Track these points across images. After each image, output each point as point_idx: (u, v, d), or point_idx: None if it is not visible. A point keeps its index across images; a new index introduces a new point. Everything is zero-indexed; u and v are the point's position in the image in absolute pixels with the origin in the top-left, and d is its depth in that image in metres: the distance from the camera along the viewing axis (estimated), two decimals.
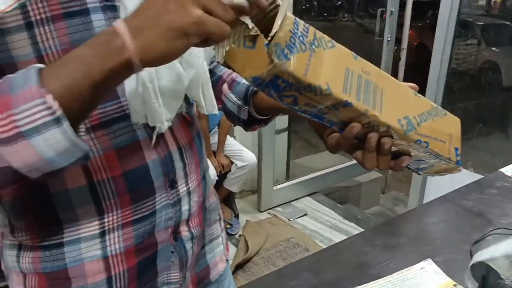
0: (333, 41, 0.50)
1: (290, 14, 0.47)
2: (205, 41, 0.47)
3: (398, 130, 0.54)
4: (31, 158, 0.46)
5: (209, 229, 0.82)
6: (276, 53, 0.45)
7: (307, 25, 0.48)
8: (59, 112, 0.45)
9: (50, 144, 0.45)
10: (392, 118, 0.53)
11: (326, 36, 0.49)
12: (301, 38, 0.47)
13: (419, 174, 0.65)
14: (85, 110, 0.48)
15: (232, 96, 0.82)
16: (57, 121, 0.45)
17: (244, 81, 0.81)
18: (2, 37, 0.51)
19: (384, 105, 0.53)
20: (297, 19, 0.47)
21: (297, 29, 0.47)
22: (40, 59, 0.53)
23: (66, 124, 0.45)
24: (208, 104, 0.70)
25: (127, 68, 0.46)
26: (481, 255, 0.78)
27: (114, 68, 0.45)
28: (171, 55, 0.46)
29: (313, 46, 0.47)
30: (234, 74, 0.82)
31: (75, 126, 0.47)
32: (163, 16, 0.44)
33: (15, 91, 0.45)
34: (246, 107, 0.81)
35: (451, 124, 0.61)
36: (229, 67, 0.73)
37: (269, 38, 0.46)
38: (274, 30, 0.45)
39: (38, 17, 0.52)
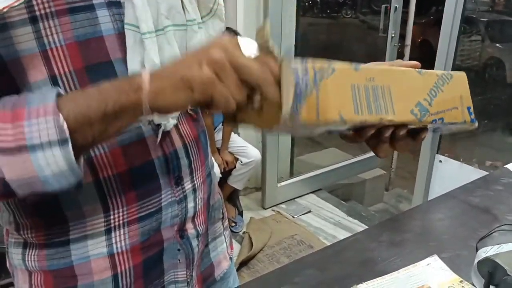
0: (331, 62, 0.50)
1: (287, 63, 0.47)
2: (208, 105, 0.48)
3: (413, 121, 0.55)
4: (26, 173, 0.47)
5: (213, 227, 0.82)
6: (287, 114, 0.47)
7: (304, 61, 0.48)
8: (67, 134, 0.46)
9: (49, 162, 0.46)
10: (406, 113, 0.54)
11: (323, 63, 0.49)
12: (303, 80, 0.47)
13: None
14: (89, 140, 0.49)
15: None
16: (63, 142, 0.46)
17: None
18: (6, 31, 0.51)
19: (396, 103, 0.53)
20: (294, 62, 0.47)
21: (298, 76, 0.47)
22: (44, 53, 0.53)
23: (70, 147, 0.47)
24: None
25: (137, 108, 0.48)
26: (487, 251, 0.77)
27: (126, 104, 0.47)
28: (175, 104, 0.48)
29: (317, 82, 0.48)
30: None
31: (75, 153, 0.48)
32: (180, 69, 0.47)
33: (31, 105, 0.46)
34: None
35: (459, 84, 0.60)
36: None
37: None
38: (285, 108, 0.46)
39: (42, 11, 0.52)
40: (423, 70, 0.57)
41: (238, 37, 0.50)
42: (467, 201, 1.12)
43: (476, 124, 0.59)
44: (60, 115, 0.46)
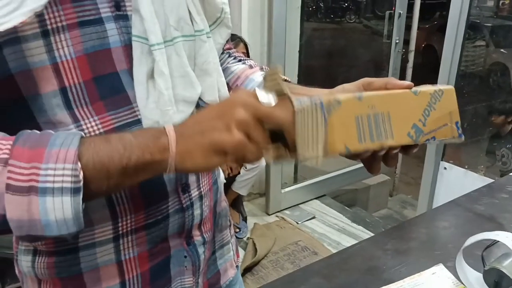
0: (336, 95, 0.52)
1: (299, 109, 0.50)
2: (239, 160, 0.51)
3: (409, 142, 0.57)
4: (29, 215, 0.46)
5: (220, 234, 0.82)
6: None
7: (312, 100, 0.51)
8: (81, 184, 0.46)
9: (55, 208, 0.46)
10: (403, 136, 0.56)
11: (329, 96, 0.52)
12: (314, 122, 0.50)
13: None
14: (103, 190, 0.50)
15: None
16: (75, 191, 0.46)
17: (255, 80, 0.79)
18: (17, 44, 0.52)
19: (394, 128, 0.55)
20: (303, 101, 0.50)
21: (309, 118, 0.50)
22: (55, 65, 0.54)
23: (80, 197, 0.47)
24: None
25: (161, 167, 0.50)
26: (493, 260, 0.77)
27: (150, 162, 0.49)
28: (206, 168, 0.51)
29: (326, 120, 0.51)
30: (248, 72, 0.81)
31: (84, 200, 0.48)
32: (208, 132, 0.49)
33: (52, 147, 0.47)
34: None
35: (449, 99, 0.61)
36: None
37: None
38: (301, 152, 0.51)
39: (54, 25, 0.53)
40: (418, 89, 0.58)
41: (256, 88, 0.53)
42: (472, 209, 1.12)
43: (463, 138, 0.61)
44: (79, 163, 0.46)
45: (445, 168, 2.31)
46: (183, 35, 0.62)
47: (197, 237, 0.72)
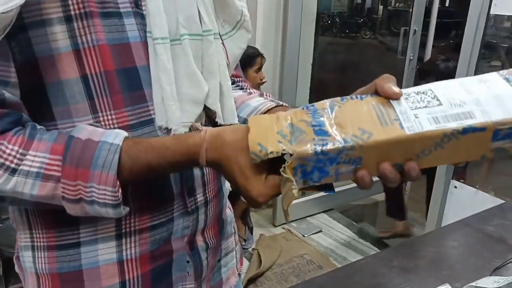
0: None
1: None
2: None
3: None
4: (83, 212, 0.56)
5: (226, 242, 0.82)
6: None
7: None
8: (120, 200, 0.54)
9: (101, 212, 0.56)
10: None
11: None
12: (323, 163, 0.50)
13: None
14: (140, 181, 0.59)
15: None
16: (115, 206, 0.55)
17: (251, 105, 0.77)
18: (42, 28, 0.53)
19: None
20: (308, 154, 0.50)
21: (319, 155, 0.49)
22: (77, 52, 0.55)
23: (120, 208, 0.55)
24: (226, 113, 0.69)
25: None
26: (501, 283, 0.75)
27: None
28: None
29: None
30: (245, 98, 0.79)
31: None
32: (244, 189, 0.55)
33: (95, 169, 0.53)
34: None
35: None
36: None
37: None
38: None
39: (77, 11, 0.54)
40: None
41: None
42: (482, 229, 1.10)
43: None
44: (118, 185, 0.53)
45: (455, 187, 2.28)
46: (190, 34, 0.63)
47: (200, 243, 0.72)
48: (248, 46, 0.75)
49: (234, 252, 0.86)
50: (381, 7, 6.23)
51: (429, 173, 2.65)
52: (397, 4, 6.38)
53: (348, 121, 0.50)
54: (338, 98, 0.53)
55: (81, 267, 0.64)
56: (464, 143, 0.47)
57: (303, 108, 0.53)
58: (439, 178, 2.36)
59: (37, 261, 0.65)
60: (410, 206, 3.69)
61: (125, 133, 0.56)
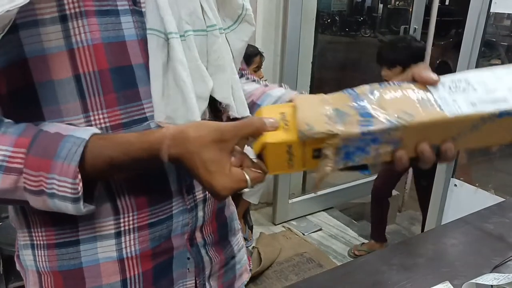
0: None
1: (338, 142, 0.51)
2: None
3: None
4: (45, 206, 0.55)
5: (235, 238, 0.82)
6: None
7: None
8: (80, 194, 0.53)
9: (62, 207, 0.55)
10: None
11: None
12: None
13: None
14: (105, 179, 0.60)
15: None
16: (74, 200, 0.53)
17: (272, 95, 0.78)
18: (35, 28, 0.52)
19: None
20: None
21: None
22: (71, 52, 0.55)
23: (80, 203, 0.54)
24: (239, 107, 0.69)
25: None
26: (501, 280, 0.76)
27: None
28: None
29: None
30: (265, 88, 0.80)
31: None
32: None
33: (57, 160, 0.52)
34: None
35: None
36: None
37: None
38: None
39: (72, 10, 0.54)
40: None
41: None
42: (482, 227, 1.10)
43: None
44: (78, 178, 0.52)
45: (455, 185, 2.28)
46: (194, 30, 0.62)
47: (199, 239, 0.72)
48: (248, 45, 0.75)
49: (244, 248, 0.86)
50: (381, 5, 6.24)
51: (417, 174, 2.67)
52: (397, 3, 6.39)
53: (390, 104, 0.52)
54: (377, 84, 0.55)
55: (82, 265, 0.64)
56: (498, 126, 0.51)
57: (343, 93, 0.56)
58: (439, 176, 2.37)
59: (37, 260, 0.65)
60: (410, 205, 3.70)
61: (95, 130, 0.55)
